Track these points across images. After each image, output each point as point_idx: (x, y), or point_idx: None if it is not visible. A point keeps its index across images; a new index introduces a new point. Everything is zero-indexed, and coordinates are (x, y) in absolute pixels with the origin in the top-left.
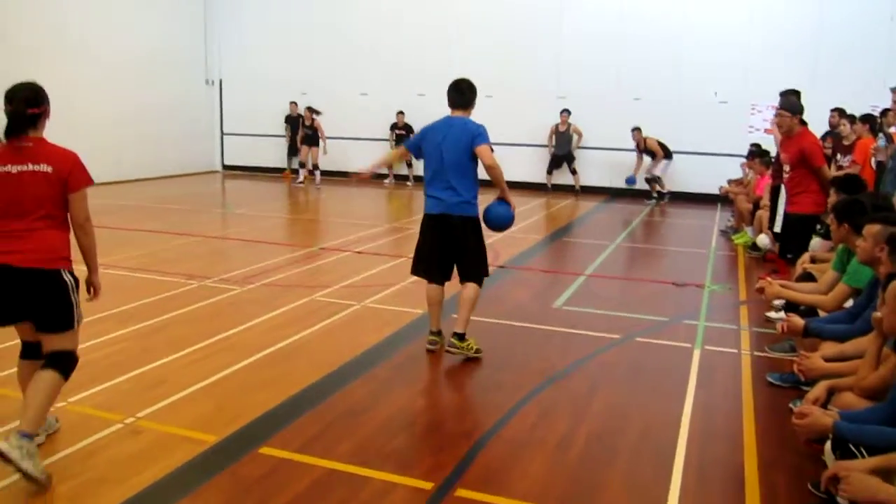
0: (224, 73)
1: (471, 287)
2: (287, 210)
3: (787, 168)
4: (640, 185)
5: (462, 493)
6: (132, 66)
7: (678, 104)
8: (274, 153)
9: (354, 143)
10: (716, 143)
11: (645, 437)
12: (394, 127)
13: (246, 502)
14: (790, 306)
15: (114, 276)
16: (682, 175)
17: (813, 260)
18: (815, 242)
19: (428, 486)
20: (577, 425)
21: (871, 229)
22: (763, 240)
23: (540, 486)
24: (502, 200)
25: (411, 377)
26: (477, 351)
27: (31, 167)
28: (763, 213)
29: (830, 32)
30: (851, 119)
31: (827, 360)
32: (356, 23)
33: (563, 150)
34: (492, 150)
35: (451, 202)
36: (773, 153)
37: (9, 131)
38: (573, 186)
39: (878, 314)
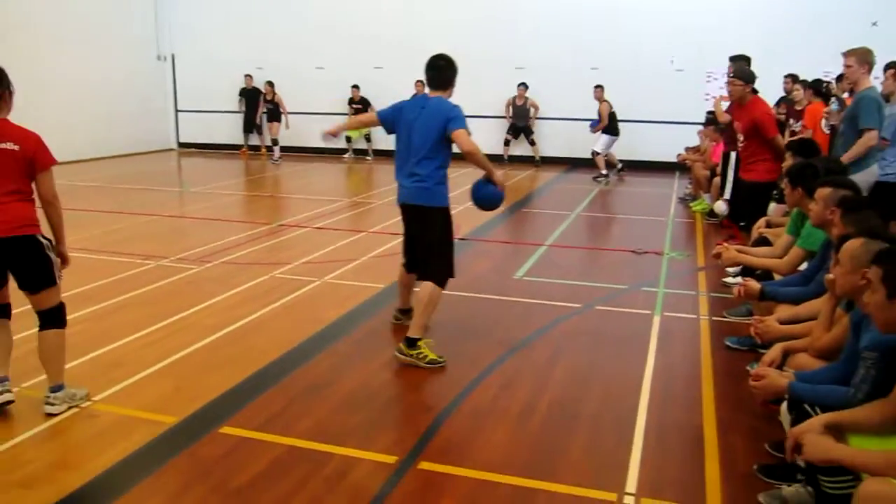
0: (176, 48)
1: (426, 287)
2: (245, 187)
3: (740, 137)
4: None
5: (425, 465)
6: (80, 40)
7: (635, 73)
8: (230, 130)
9: (312, 117)
10: (673, 112)
11: (606, 403)
12: (350, 101)
13: (206, 482)
14: (746, 271)
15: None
16: (640, 144)
17: (769, 225)
18: (773, 207)
19: (391, 459)
20: (539, 394)
21: (822, 192)
22: (720, 206)
23: (502, 456)
24: (488, 180)
25: (372, 352)
26: (431, 361)
27: None
28: (718, 181)
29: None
30: (805, 85)
31: (782, 322)
32: None
33: (521, 123)
34: (469, 134)
35: (413, 190)
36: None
37: None
38: (532, 157)
39: (830, 276)
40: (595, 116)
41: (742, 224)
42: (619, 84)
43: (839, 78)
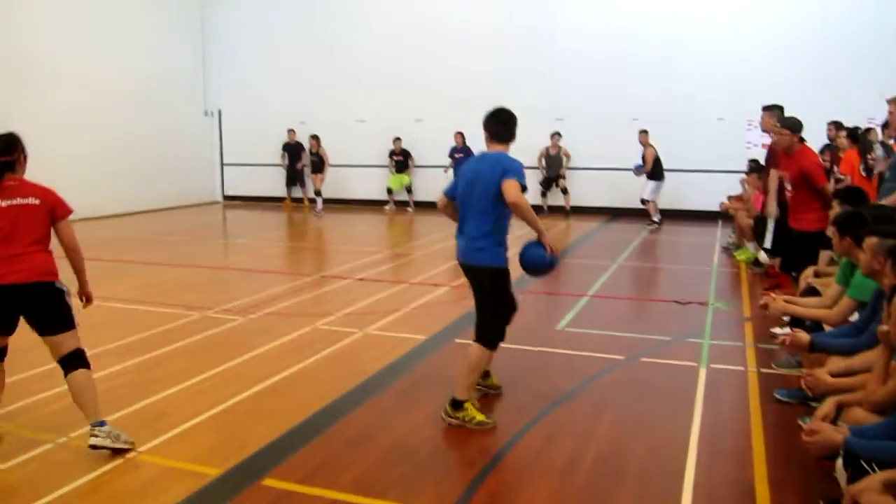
0: (223, 103)
1: (473, 348)
2: (288, 238)
3: (788, 187)
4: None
5: None
6: (131, 96)
7: (676, 122)
8: (273, 182)
9: (353, 170)
10: (714, 160)
11: (652, 458)
12: (392, 154)
13: None
14: (795, 321)
15: (112, 308)
16: (681, 193)
17: (817, 274)
18: (825, 255)
19: None
20: (584, 448)
21: (869, 242)
22: (765, 255)
23: None
24: (537, 241)
25: (415, 404)
26: (479, 423)
27: (19, 201)
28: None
29: (826, 48)
30: (837, 127)
31: (834, 375)
32: (353, 50)
33: (553, 173)
34: (523, 189)
35: (465, 248)
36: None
37: None
38: (563, 207)
39: (884, 327)
40: (639, 160)
41: (794, 274)
42: (661, 133)
43: (885, 125)
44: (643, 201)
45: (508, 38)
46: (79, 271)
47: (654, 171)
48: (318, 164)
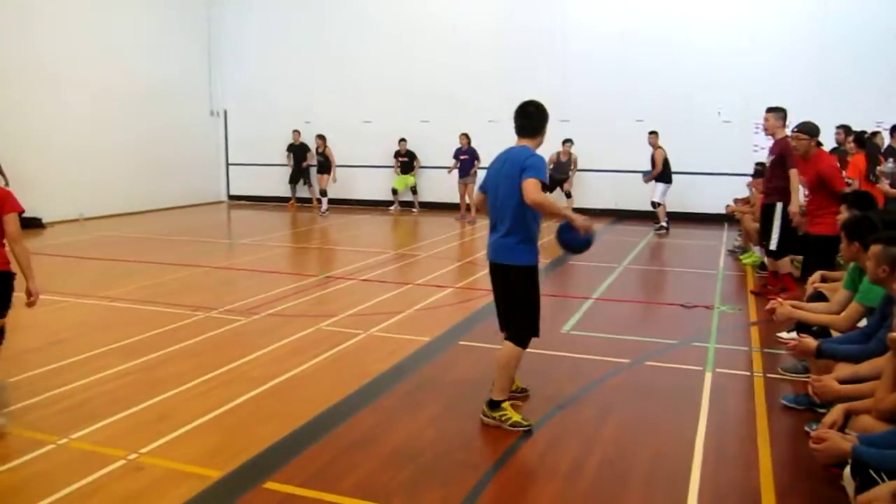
0: (228, 103)
1: (506, 347)
2: (292, 239)
3: (805, 191)
4: (648, 207)
5: None
6: (137, 96)
7: (682, 125)
8: (279, 183)
9: (358, 170)
10: (720, 163)
11: (657, 463)
12: (397, 154)
13: None
14: (802, 326)
15: (118, 308)
16: (688, 195)
17: (824, 279)
18: None
19: None
20: (588, 452)
21: (874, 250)
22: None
23: None
24: (569, 225)
25: (418, 407)
26: (515, 423)
27: None
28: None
29: (831, 51)
30: (846, 131)
31: (842, 381)
32: (359, 51)
33: (560, 176)
34: (545, 187)
35: (496, 246)
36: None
37: None
38: None
39: (893, 335)
40: (647, 167)
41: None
42: (666, 135)
43: (893, 129)
44: (654, 204)
45: (513, 40)
46: (24, 264)
47: (664, 173)
48: (325, 165)
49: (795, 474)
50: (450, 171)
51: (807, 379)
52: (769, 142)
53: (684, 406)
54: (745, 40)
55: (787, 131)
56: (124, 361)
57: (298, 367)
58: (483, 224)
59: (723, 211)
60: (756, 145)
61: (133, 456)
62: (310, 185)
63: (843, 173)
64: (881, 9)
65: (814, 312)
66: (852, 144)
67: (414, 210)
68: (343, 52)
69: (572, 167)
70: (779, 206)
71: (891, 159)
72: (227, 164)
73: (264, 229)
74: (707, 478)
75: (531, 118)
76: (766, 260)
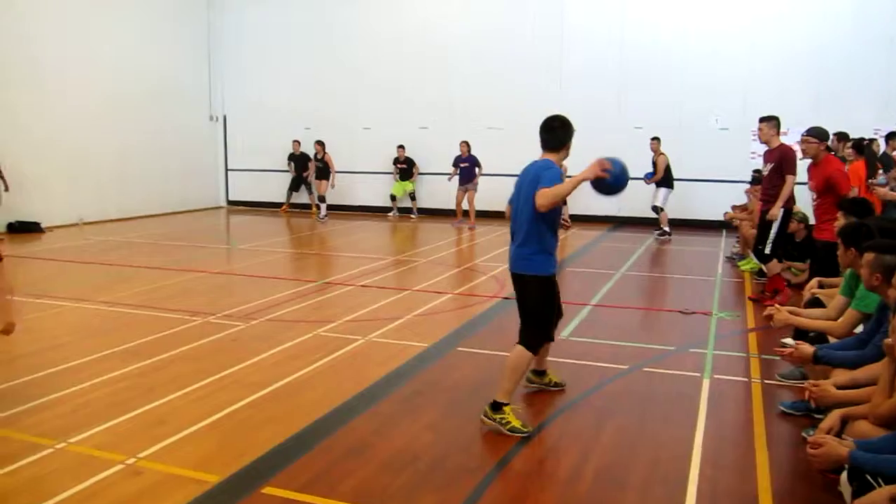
0: (228, 109)
1: (515, 350)
2: (291, 244)
3: (814, 195)
4: (647, 213)
5: None
6: (137, 101)
7: (680, 132)
8: (278, 188)
9: (357, 176)
10: (718, 170)
11: (655, 469)
12: (396, 161)
13: None
14: (799, 333)
15: (116, 313)
16: (686, 202)
17: (821, 285)
18: None
19: None
20: (586, 459)
21: (867, 258)
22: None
23: None
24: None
25: (416, 412)
26: (513, 429)
27: None
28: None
29: (829, 58)
30: (840, 138)
31: (839, 387)
32: (359, 57)
33: None
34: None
35: (513, 256)
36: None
37: None
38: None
39: (889, 340)
40: (649, 169)
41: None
42: (665, 143)
43: (889, 136)
44: (655, 209)
45: (512, 47)
46: None
47: (666, 178)
48: (324, 171)
49: (793, 480)
50: (450, 179)
51: (804, 385)
52: (763, 148)
53: (682, 412)
54: (744, 48)
55: (783, 139)
56: (123, 366)
57: (297, 372)
58: (482, 231)
59: (721, 218)
60: (754, 153)
61: (131, 460)
62: (310, 192)
63: None
64: (879, 16)
65: (811, 318)
66: (850, 151)
67: (412, 216)
68: (343, 58)
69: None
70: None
71: (881, 172)
72: (227, 170)
73: (263, 235)
74: (705, 483)
75: (554, 132)
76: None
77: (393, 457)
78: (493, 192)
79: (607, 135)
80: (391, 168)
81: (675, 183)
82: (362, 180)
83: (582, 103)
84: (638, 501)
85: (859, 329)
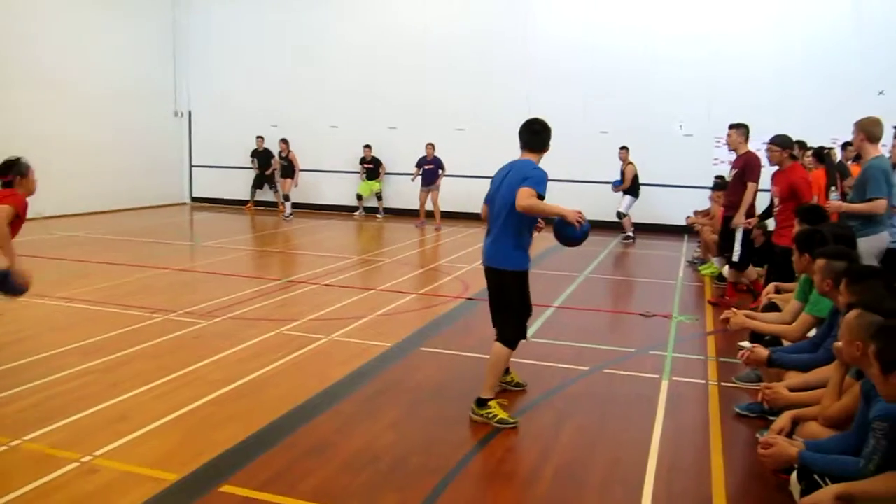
0: (193, 105)
1: (495, 348)
2: (255, 242)
3: (776, 201)
4: (612, 217)
5: None
6: (101, 98)
7: (644, 137)
8: (243, 185)
9: (324, 175)
10: (681, 175)
11: (613, 470)
12: (363, 161)
13: None
14: (755, 336)
15: (77, 308)
16: (648, 207)
17: (777, 290)
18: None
19: None
20: (545, 459)
21: (819, 264)
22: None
23: None
24: (562, 221)
25: (378, 412)
26: (502, 421)
27: None
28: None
29: (792, 66)
30: (800, 147)
31: (792, 389)
32: (327, 55)
33: None
34: (540, 196)
35: (488, 250)
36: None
37: None
38: None
39: (838, 343)
40: (614, 178)
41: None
42: (630, 148)
43: (844, 145)
44: (619, 214)
45: (480, 50)
46: None
47: (632, 187)
48: (288, 169)
49: (747, 481)
50: (413, 179)
51: (759, 388)
52: (731, 155)
53: (641, 413)
54: (708, 55)
55: (750, 146)
56: (83, 362)
57: (259, 370)
58: (447, 232)
59: (683, 222)
60: (717, 158)
61: (87, 458)
62: (275, 190)
63: None
64: (841, 24)
65: (766, 322)
66: (811, 159)
67: (378, 216)
68: (310, 56)
69: None
70: None
71: (833, 188)
72: (191, 166)
73: (227, 232)
74: (661, 485)
75: (538, 134)
76: (724, 271)
77: (354, 456)
78: (459, 194)
79: (573, 139)
80: (358, 167)
81: (640, 188)
82: (329, 179)
83: (548, 107)
84: (596, 501)
85: (812, 333)
